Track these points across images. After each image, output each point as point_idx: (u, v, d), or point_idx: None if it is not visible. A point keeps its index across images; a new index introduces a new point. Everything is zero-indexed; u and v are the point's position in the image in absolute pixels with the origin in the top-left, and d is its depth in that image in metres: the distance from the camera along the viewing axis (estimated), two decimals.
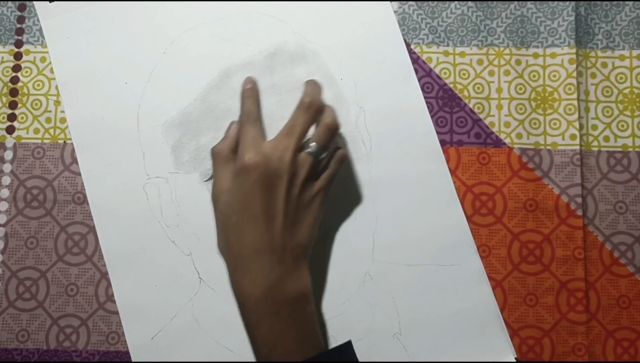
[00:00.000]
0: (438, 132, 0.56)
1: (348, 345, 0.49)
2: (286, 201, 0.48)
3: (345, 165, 0.54)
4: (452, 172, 0.55)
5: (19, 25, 0.59)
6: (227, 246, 0.49)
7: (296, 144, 0.49)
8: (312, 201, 0.50)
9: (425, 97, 0.56)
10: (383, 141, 0.55)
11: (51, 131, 0.57)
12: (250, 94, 0.54)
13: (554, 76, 0.56)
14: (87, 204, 0.55)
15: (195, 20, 0.57)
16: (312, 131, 0.51)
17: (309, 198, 0.50)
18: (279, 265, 0.47)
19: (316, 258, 0.52)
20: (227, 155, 0.51)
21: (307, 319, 0.48)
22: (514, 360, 0.53)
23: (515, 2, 0.57)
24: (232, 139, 0.51)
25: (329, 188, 0.51)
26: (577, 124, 0.55)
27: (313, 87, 0.53)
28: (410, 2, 0.58)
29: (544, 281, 0.54)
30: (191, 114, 0.56)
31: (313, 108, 0.51)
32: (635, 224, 0.54)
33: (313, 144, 0.50)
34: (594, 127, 0.56)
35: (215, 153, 0.51)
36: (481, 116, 0.56)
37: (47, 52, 0.58)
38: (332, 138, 0.51)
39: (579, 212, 0.54)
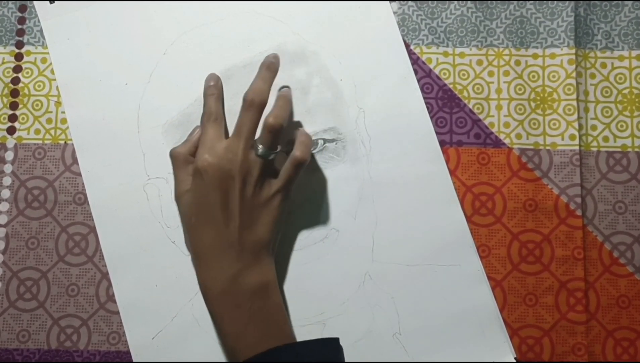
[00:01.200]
0: (438, 133, 0.56)
1: (329, 342, 0.49)
2: (241, 201, 0.48)
3: (306, 168, 0.51)
4: (452, 172, 0.55)
5: (19, 26, 0.59)
6: (191, 245, 0.51)
7: (245, 145, 0.49)
8: (270, 200, 0.50)
9: (424, 98, 0.56)
10: (383, 141, 0.55)
11: (52, 131, 0.57)
12: (213, 92, 0.53)
13: (554, 76, 0.56)
14: (88, 204, 0.55)
15: (195, 21, 0.58)
16: None
17: (267, 197, 0.50)
18: (237, 261, 0.48)
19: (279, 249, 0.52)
20: (184, 158, 0.51)
21: (272, 311, 0.49)
22: (514, 360, 0.53)
23: (515, 3, 0.57)
24: (192, 142, 0.52)
25: (287, 189, 0.51)
26: (576, 125, 0.55)
27: (260, 81, 0.51)
28: (410, 3, 0.58)
29: (543, 281, 0.54)
30: (191, 115, 0.56)
31: (254, 107, 0.50)
32: (634, 224, 0.55)
33: (260, 146, 0.49)
34: (593, 127, 0.56)
35: (173, 156, 0.52)
36: (481, 117, 0.56)
37: (48, 53, 0.58)
38: (275, 138, 0.50)
39: (579, 212, 0.54)
